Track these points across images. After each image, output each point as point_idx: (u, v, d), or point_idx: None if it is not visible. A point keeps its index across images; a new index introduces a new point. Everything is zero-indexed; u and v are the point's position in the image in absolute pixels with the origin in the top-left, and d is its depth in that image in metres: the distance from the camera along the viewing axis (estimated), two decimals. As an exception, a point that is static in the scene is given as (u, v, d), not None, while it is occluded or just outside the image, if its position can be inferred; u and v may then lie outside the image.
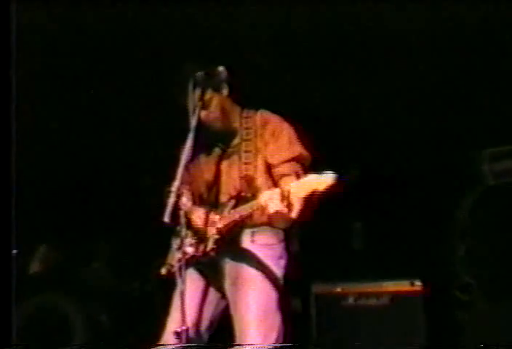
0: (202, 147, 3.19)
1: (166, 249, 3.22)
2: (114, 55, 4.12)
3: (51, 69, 4.13)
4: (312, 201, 2.98)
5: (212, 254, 3.08)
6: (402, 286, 4.28)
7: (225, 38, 3.87)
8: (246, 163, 3.18)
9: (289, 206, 2.96)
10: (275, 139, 3.20)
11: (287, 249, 3.21)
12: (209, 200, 3.23)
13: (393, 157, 4.77)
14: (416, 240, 4.73)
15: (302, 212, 3.05)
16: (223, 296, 3.16)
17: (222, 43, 3.87)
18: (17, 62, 3.34)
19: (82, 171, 4.78)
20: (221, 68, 3.10)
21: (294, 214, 3.03)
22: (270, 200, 2.91)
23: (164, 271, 3.17)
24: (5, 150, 3.31)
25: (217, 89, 3.18)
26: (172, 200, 2.75)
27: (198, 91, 3.03)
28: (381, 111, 4.62)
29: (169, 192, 2.80)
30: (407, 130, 4.66)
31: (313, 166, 3.12)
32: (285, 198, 2.87)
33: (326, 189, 2.76)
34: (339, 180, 2.77)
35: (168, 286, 3.08)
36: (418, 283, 4.25)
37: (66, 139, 4.57)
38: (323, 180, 2.76)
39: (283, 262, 3.17)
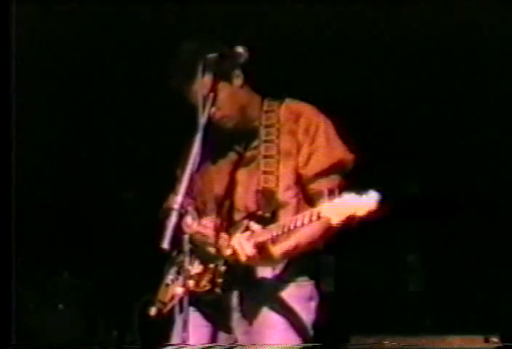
0: (212, 151, 3.28)
1: (155, 281, 3.36)
2: (114, 55, 4.72)
3: (51, 69, 4.73)
4: (346, 228, 2.98)
5: (218, 290, 3.18)
6: (473, 342, 4.42)
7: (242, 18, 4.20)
8: (265, 173, 3.29)
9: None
10: (310, 139, 3.29)
11: (319, 287, 3.35)
12: (220, 219, 3.32)
13: (461, 170, 4.99)
14: (491, 280, 4.88)
15: (327, 233, 3.18)
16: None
17: (237, 21, 4.21)
18: (17, 62, 3.85)
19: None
20: (240, 49, 3.11)
21: (318, 243, 3.20)
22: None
23: (153, 312, 3.26)
24: (5, 150, 3.80)
25: (232, 76, 3.28)
26: (173, 220, 2.75)
27: (209, 79, 3.07)
28: (444, 107, 4.89)
29: (169, 210, 2.82)
30: (478, 134, 4.90)
31: (354, 174, 3.23)
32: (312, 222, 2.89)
33: (366, 215, 2.71)
34: (384, 203, 2.73)
35: (158, 333, 3.25)
36: (495, 339, 4.40)
37: (66, 140, 5.13)
38: (363, 204, 2.71)
39: (313, 305, 3.31)
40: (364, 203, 2.72)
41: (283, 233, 3.03)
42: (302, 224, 2.93)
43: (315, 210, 2.86)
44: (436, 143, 5.09)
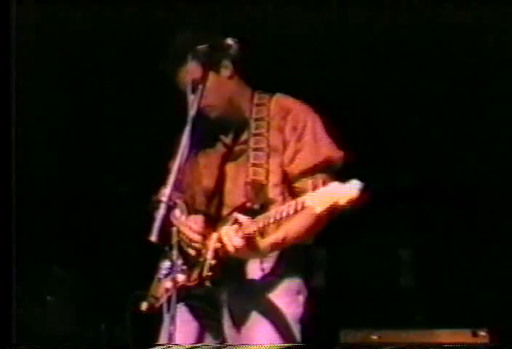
0: (200, 144, 3.28)
1: (147, 276, 3.36)
2: (115, 55, 4.72)
3: (51, 69, 4.72)
4: (328, 218, 3.10)
5: (207, 283, 3.18)
6: (461, 336, 4.42)
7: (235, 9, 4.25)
8: (254, 165, 3.29)
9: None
10: (297, 136, 3.29)
11: (308, 281, 3.35)
12: (209, 213, 3.35)
13: (452, 160, 5.00)
14: (481, 275, 4.89)
15: (315, 226, 3.20)
16: (221, 343, 3.30)
17: (229, 13, 4.23)
18: (17, 62, 3.86)
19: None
20: (230, 41, 3.12)
21: (306, 234, 3.22)
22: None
23: (144, 306, 3.26)
24: (5, 151, 3.83)
25: (220, 67, 3.29)
26: (161, 213, 2.76)
27: (198, 70, 3.09)
28: (436, 98, 4.91)
29: (158, 202, 2.83)
30: (475, 123, 4.92)
31: (342, 171, 3.20)
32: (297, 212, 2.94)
33: (349, 203, 2.75)
34: (367, 191, 2.77)
35: (148, 328, 3.22)
36: (482, 333, 4.40)
37: (66, 140, 5.15)
38: (345, 192, 2.76)
39: (301, 299, 3.31)
40: (347, 191, 2.76)
41: (269, 224, 3.05)
42: (288, 214, 2.96)
43: (299, 199, 2.90)
44: (430, 138, 5.09)
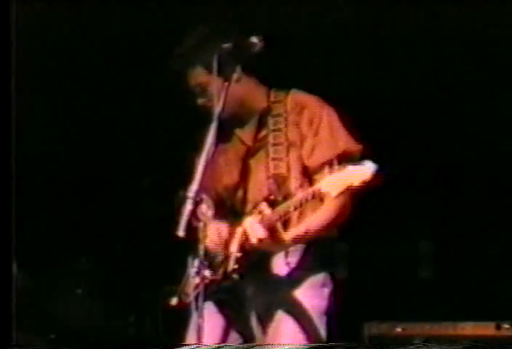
0: (223, 142, 3.29)
1: (176, 272, 3.36)
2: (116, 55, 4.78)
3: (51, 69, 4.77)
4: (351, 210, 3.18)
5: (235, 276, 3.21)
6: (485, 328, 4.41)
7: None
8: (274, 159, 3.31)
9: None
10: (313, 130, 3.30)
11: (332, 274, 3.34)
12: (234, 209, 3.39)
13: (476, 149, 4.98)
14: (505, 267, 4.86)
15: (338, 219, 3.24)
16: (246, 341, 3.31)
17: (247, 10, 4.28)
18: (17, 62, 3.87)
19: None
20: (255, 39, 3.11)
21: (329, 227, 3.23)
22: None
23: (174, 302, 3.29)
24: (5, 151, 3.83)
25: (244, 67, 3.28)
26: (188, 208, 2.82)
27: (224, 69, 3.11)
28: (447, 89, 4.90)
29: (185, 198, 2.87)
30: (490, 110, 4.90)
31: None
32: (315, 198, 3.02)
33: (363, 185, 2.84)
34: (380, 173, 2.85)
35: (177, 322, 3.26)
36: (506, 325, 4.38)
37: (66, 140, 5.21)
38: (359, 174, 2.84)
39: (326, 292, 3.31)
40: (360, 173, 2.87)
41: (289, 212, 3.13)
42: (307, 200, 3.06)
43: (316, 186, 3.01)
44: (445, 127, 5.08)
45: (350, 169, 2.88)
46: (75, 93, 5.00)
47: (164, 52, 3.47)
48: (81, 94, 5.03)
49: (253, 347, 3.26)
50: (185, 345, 3.07)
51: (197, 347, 2.91)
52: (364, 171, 2.86)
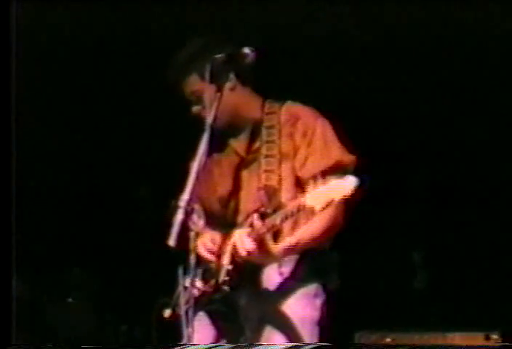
0: (215, 152, 3.31)
1: (169, 282, 3.32)
2: (116, 55, 4.78)
3: (51, 69, 4.76)
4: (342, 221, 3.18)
5: (225, 288, 3.22)
6: (474, 339, 4.39)
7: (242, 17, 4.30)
8: (266, 171, 3.32)
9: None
10: (307, 141, 3.31)
11: (324, 285, 3.35)
12: (226, 219, 3.39)
13: (468, 160, 5.00)
14: (492, 277, 4.87)
15: (330, 230, 3.24)
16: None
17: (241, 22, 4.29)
18: (17, 62, 3.88)
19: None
20: (247, 50, 3.10)
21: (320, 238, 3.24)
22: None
23: (167, 314, 3.29)
24: (5, 151, 3.86)
25: (237, 77, 3.31)
26: (179, 218, 2.81)
27: (216, 80, 3.08)
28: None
29: (176, 207, 2.86)
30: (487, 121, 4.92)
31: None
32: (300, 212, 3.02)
33: (344, 199, 2.85)
34: (361, 187, 2.85)
35: (166, 332, 3.27)
36: (495, 336, 4.37)
37: (66, 141, 5.23)
38: (341, 189, 2.85)
39: (318, 302, 3.32)
40: (342, 188, 2.88)
41: (276, 225, 3.13)
42: (292, 214, 3.06)
43: (301, 200, 3.00)
44: (443, 139, 5.10)
45: (333, 183, 2.89)
46: (75, 93, 5.02)
47: (164, 54, 3.48)
48: (81, 94, 5.04)
49: (240, 347, 3.26)
50: (175, 345, 3.07)
51: (185, 347, 2.92)
52: (345, 185, 2.86)
